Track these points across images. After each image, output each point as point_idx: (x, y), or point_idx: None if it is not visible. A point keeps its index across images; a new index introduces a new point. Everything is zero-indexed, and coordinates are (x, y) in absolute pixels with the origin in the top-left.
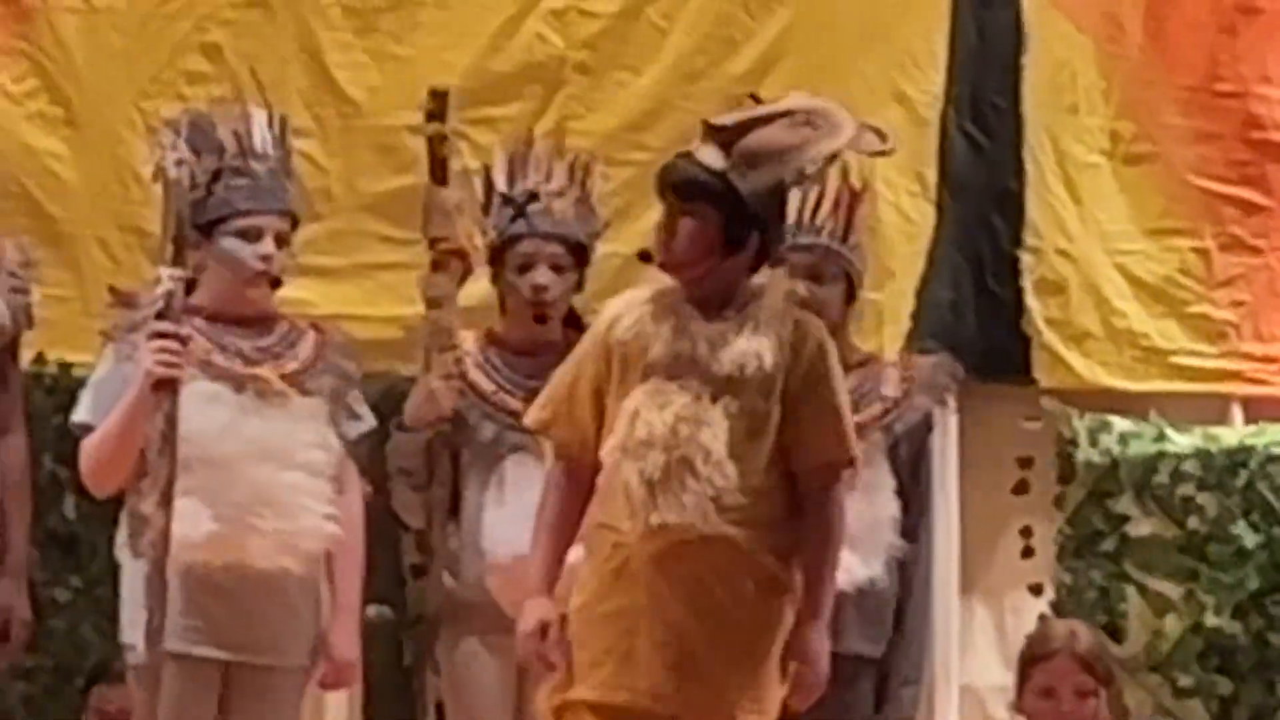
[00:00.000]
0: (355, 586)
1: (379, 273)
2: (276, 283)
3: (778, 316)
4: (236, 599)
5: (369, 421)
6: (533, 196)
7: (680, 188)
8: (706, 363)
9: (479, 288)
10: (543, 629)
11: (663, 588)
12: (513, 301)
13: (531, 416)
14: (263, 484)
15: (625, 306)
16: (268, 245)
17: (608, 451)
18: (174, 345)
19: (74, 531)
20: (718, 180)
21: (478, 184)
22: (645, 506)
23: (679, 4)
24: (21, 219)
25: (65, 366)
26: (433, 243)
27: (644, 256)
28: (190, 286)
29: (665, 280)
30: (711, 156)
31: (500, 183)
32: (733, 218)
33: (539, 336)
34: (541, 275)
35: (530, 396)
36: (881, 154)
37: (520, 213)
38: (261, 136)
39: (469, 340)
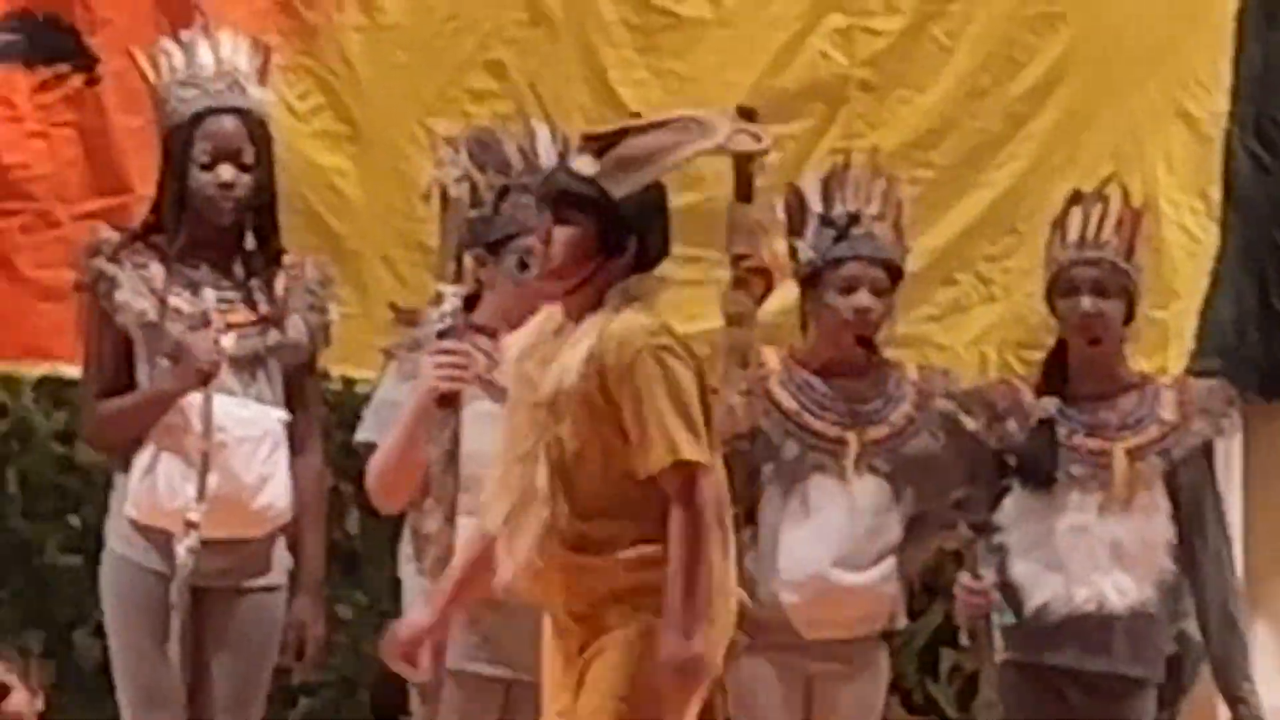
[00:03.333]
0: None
1: (666, 290)
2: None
3: (595, 325)
4: (517, 617)
5: None
6: (854, 219)
7: (552, 198)
8: (535, 386)
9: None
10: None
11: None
12: (827, 322)
13: None
14: None
15: (518, 335)
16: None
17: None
18: (456, 361)
19: (356, 548)
20: (589, 187)
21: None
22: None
23: (963, 22)
24: (306, 235)
25: (349, 383)
26: (736, 259)
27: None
28: (473, 304)
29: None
30: (584, 164)
31: (816, 203)
32: (607, 224)
33: (849, 358)
34: (865, 298)
35: (836, 418)
36: (757, 154)
37: (843, 235)
38: (547, 154)
39: (773, 358)
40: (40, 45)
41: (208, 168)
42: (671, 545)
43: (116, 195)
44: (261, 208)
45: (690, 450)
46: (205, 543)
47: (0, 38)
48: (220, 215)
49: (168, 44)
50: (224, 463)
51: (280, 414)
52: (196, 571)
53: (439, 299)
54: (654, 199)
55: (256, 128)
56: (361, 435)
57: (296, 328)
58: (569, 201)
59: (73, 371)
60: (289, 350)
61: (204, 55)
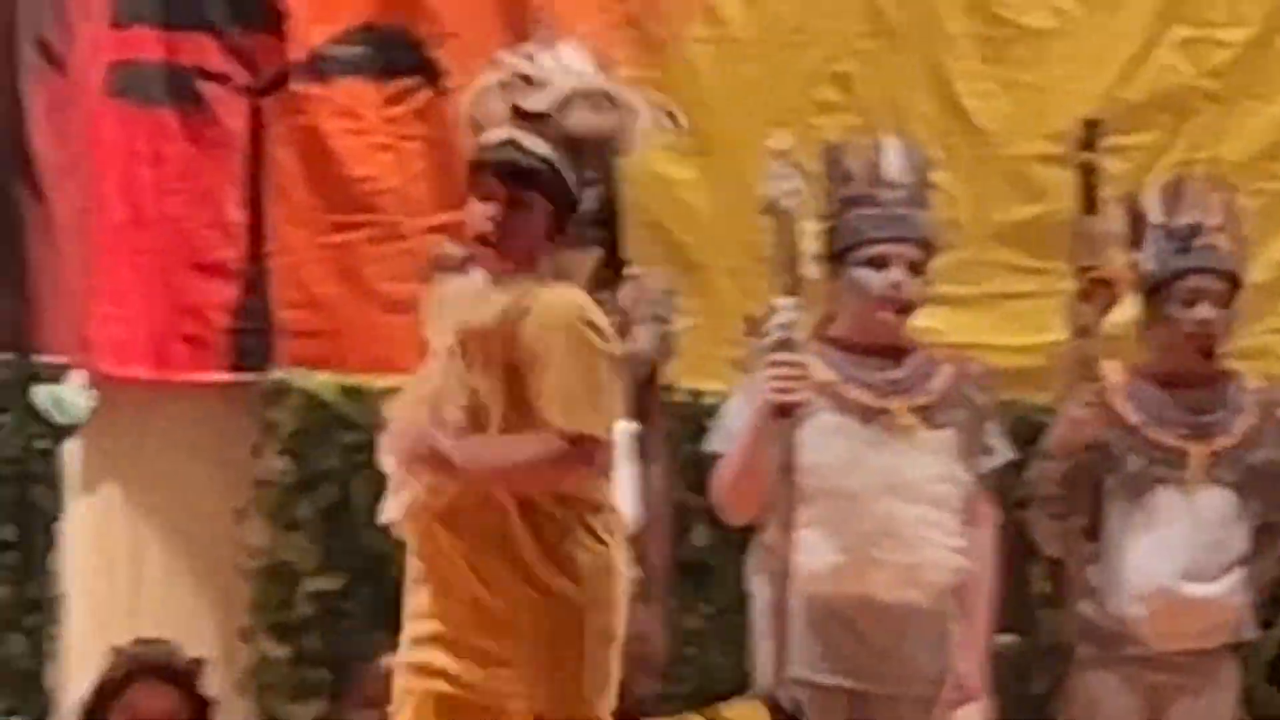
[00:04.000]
0: (984, 618)
1: (1007, 302)
2: (905, 310)
3: (522, 284)
4: (861, 629)
5: (1002, 455)
6: (1195, 230)
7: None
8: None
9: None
10: None
11: None
12: (1169, 334)
13: None
14: (887, 517)
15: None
16: (896, 273)
17: None
18: (791, 373)
19: (704, 560)
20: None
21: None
22: None
23: None
24: (654, 248)
25: (695, 395)
26: (1081, 271)
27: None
28: (830, 318)
29: None
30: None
31: (1156, 215)
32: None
33: (1191, 369)
34: (1207, 310)
35: (1178, 430)
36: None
37: (1185, 247)
38: (893, 166)
39: (1115, 371)
40: (388, 59)
41: None
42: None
43: (463, 209)
44: (607, 220)
45: (591, 424)
46: None
47: (348, 51)
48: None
49: (512, 57)
50: None
51: (626, 426)
52: None
53: (774, 311)
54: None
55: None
56: (711, 445)
57: (642, 339)
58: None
59: None
60: (635, 362)
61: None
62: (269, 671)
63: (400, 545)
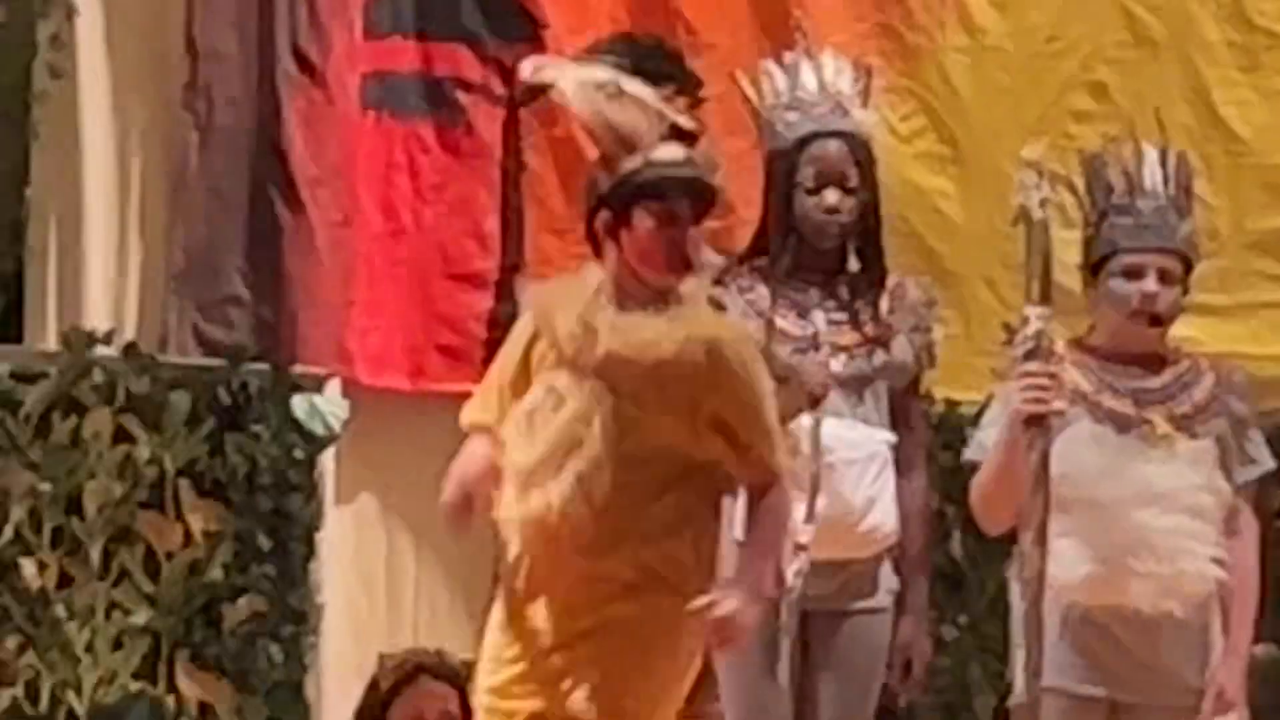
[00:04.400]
0: (1245, 629)
1: (1265, 311)
2: (1159, 321)
3: (687, 311)
4: (1119, 639)
5: (1264, 464)
6: None
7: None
8: (582, 345)
9: None
10: None
11: None
12: None
13: None
14: (1144, 528)
15: (547, 286)
16: (1150, 283)
17: None
18: (1042, 383)
19: (961, 569)
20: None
21: None
22: None
23: None
24: (909, 257)
25: (952, 404)
26: None
27: None
28: (1090, 327)
29: None
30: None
31: None
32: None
33: None
34: None
35: None
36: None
37: None
38: (1151, 175)
39: None
40: (644, 69)
41: (813, 192)
42: (765, 514)
43: (719, 219)
44: (865, 230)
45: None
46: (814, 565)
47: (604, 61)
48: (825, 239)
49: (771, 67)
50: (831, 485)
51: (886, 436)
52: (804, 594)
53: (1025, 321)
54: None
55: (860, 150)
56: (970, 454)
57: (902, 349)
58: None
59: None
60: (895, 372)
61: (807, 78)
62: None
63: None
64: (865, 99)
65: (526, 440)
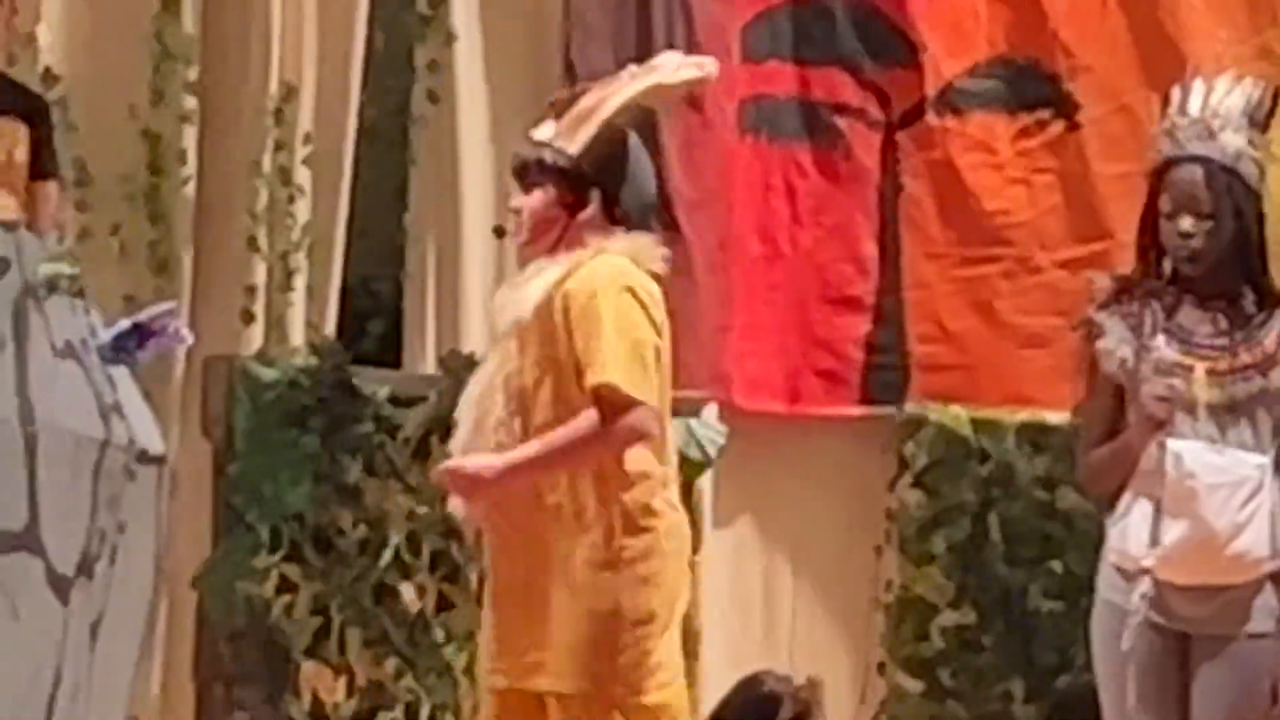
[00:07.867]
0: None
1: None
2: None
3: (563, 261)
4: None
5: None
6: None
7: (516, 171)
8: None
9: None
10: None
11: None
12: None
13: None
14: None
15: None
16: None
17: None
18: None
19: None
20: (547, 151)
21: None
22: None
23: None
24: None
25: None
26: None
27: (497, 232)
28: None
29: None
30: (542, 131)
31: None
32: (568, 181)
33: None
34: None
35: None
36: (699, 82)
37: None
38: None
39: None
40: (1021, 92)
41: (1170, 217)
42: (563, 428)
43: (1097, 241)
44: (1236, 256)
45: (625, 382)
46: (1185, 589)
47: (981, 85)
48: (1181, 264)
49: (1174, 90)
50: (1195, 509)
51: (1259, 460)
52: (1176, 618)
53: None
54: (612, 150)
55: (1220, 176)
56: None
57: None
58: (528, 170)
59: (1054, 418)
60: (1273, 399)
61: (1193, 101)
62: (902, 705)
63: (1026, 575)
64: (1267, 122)
65: None
